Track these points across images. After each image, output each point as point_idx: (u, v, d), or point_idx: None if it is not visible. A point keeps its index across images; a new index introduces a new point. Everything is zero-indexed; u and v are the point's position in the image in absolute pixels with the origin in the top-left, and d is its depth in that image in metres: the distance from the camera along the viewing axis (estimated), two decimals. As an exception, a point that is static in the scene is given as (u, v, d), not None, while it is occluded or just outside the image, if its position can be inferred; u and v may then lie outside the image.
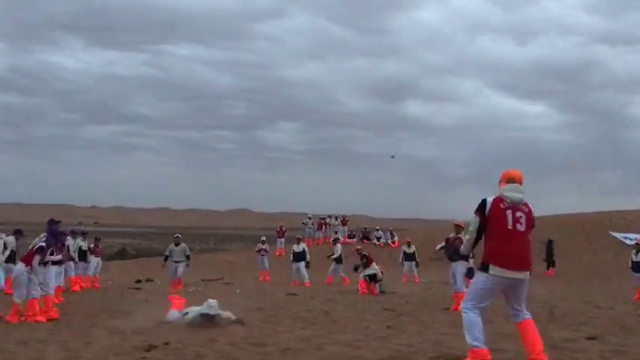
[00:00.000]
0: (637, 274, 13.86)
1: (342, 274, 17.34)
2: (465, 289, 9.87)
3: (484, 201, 4.73)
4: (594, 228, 29.31)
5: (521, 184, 4.84)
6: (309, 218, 31.26)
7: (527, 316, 4.78)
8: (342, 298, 11.88)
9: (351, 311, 9.22)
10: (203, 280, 17.75)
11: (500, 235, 4.62)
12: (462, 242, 10.01)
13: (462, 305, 4.79)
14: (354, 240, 27.77)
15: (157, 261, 18.51)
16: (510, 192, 4.74)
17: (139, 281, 17.66)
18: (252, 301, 11.12)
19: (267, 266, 19.62)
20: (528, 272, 4.71)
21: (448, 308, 9.80)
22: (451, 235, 10.51)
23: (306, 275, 17.00)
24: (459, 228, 10.31)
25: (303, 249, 17.53)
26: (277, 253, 25.99)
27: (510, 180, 4.83)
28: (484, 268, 4.67)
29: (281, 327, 7.20)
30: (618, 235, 24.92)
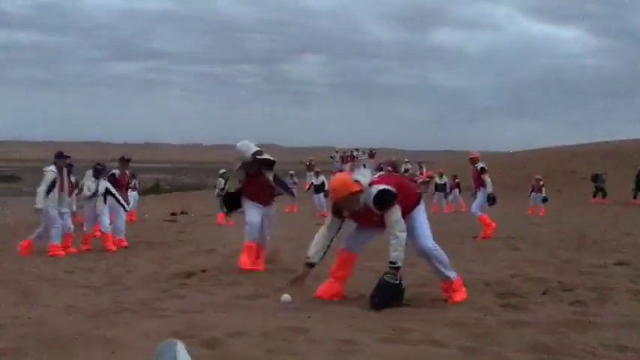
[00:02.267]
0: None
1: None
2: (480, 214, 10.09)
3: None
4: (630, 156, 28.61)
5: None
6: (337, 152, 31.32)
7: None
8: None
9: (378, 241, 9.38)
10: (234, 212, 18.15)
11: None
12: (476, 172, 10.19)
13: (430, 244, 4.40)
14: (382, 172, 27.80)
15: (191, 195, 18.95)
16: None
17: (173, 214, 18.21)
18: (282, 230, 11.39)
19: (295, 200, 20.06)
20: None
21: (476, 237, 9.91)
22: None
23: (324, 205, 17.55)
24: (474, 159, 10.47)
25: (322, 181, 18.18)
26: (307, 186, 26.34)
27: None
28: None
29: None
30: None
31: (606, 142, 35.26)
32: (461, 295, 4.40)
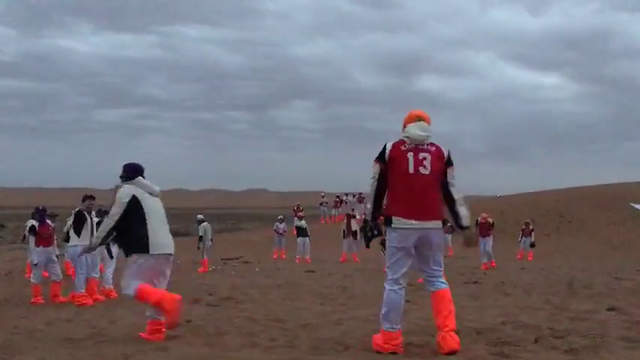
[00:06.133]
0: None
1: (355, 250, 17.53)
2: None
3: (385, 146, 4.13)
4: (613, 199, 28.94)
5: (428, 123, 4.22)
6: (323, 196, 31.33)
7: (444, 285, 4.20)
8: (360, 274, 11.95)
9: (370, 287, 9.28)
10: (222, 259, 17.96)
11: (401, 181, 4.04)
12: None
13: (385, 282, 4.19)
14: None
15: (178, 241, 18.72)
16: (412, 130, 4.13)
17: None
18: (271, 278, 11.24)
19: (283, 245, 19.93)
20: (438, 221, 4.10)
21: (469, 282, 9.83)
22: None
23: (308, 251, 17.62)
24: None
25: (305, 226, 18.21)
26: (294, 232, 26.15)
27: (413, 119, 4.22)
28: (387, 221, 4.08)
29: (300, 303, 7.29)
30: (638, 206, 24.59)
31: (594, 185, 35.70)
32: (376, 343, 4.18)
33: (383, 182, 4.14)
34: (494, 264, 14.52)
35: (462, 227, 4.32)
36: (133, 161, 5.33)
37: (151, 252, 4.92)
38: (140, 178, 5.18)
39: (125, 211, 4.96)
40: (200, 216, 16.27)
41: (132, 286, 4.93)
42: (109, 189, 5.39)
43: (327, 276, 11.77)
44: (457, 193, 4.25)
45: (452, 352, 4.04)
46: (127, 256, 5.13)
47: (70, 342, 4.99)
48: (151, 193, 5.13)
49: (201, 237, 15.43)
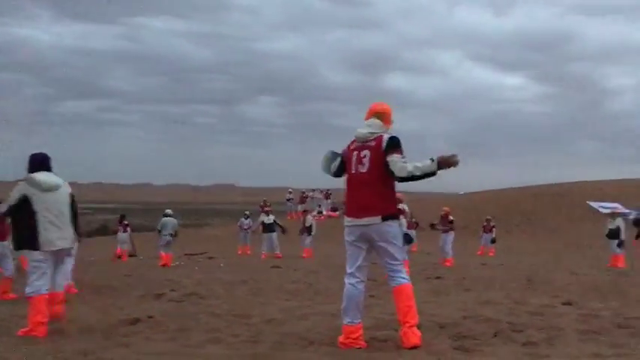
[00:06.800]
0: (612, 242, 14.26)
1: (309, 246, 17.42)
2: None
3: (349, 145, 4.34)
4: (572, 197, 29.84)
5: (385, 118, 4.25)
6: (290, 192, 31.34)
7: (405, 280, 4.20)
8: (325, 270, 11.99)
9: (335, 283, 9.31)
10: (186, 254, 17.75)
11: (347, 181, 4.26)
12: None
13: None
14: (338, 213, 27.94)
15: (141, 236, 18.45)
16: (358, 130, 4.22)
17: (120, 257, 17.58)
18: (235, 274, 11.17)
19: (248, 241, 19.81)
20: (373, 217, 4.08)
21: (431, 277, 9.97)
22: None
23: (277, 246, 17.27)
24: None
25: (274, 220, 17.86)
26: (261, 228, 26.03)
27: (370, 115, 4.28)
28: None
29: (265, 299, 7.26)
30: (594, 205, 25.37)
31: (554, 184, 36.71)
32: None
33: (341, 169, 4.36)
34: (448, 262, 13.89)
35: (432, 159, 4.04)
36: (38, 151, 5.37)
37: (41, 249, 5.04)
38: (36, 174, 5.19)
39: (15, 208, 5.10)
40: (168, 211, 16.05)
41: (30, 288, 5.02)
42: (13, 181, 5.39)
43: (292, 271, 11.76)
44: (400, 167, 4.03)
45: (413, 348, 4.09)
46: (16, 250, 5.49)
47: (28, 339, 4.86)
48: (49, 189, 5.14)
49: (159, 231, 15.28)
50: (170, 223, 15.33)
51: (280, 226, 17.82)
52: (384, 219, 4.11)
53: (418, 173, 4.02)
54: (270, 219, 17.84)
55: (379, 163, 4.07)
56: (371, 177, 4.11)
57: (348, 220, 4.24)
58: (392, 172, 4.08)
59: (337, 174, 4.42)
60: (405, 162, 4.06)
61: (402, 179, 4.10)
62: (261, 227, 17.84)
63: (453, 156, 4.02)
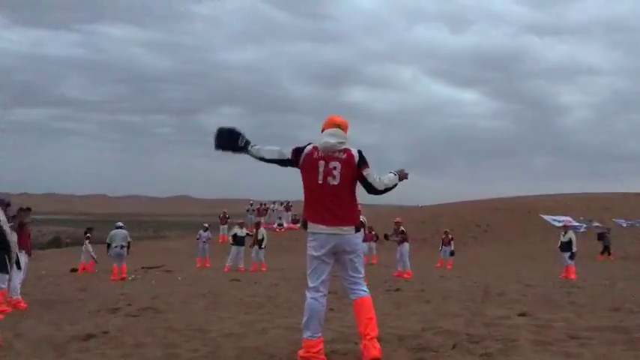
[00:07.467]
0: (564, 254, 14.72)
1: (262, 259, 17.29)
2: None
3: (305, 147, 4.21)
4: (526, 211, 30.73)
5: (345, 130, 4.25)
6: (251, 204, 31.12)
7: (365, 292, 4.22)
8: (285, 283, 11.92)
9: (295, 295, 9.27)
10: (142, 267, 17.34)
11: (311, 189, 4.15)
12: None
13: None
14: (298, 225, 27.87)
15: (95, 249, 17.91)
16: (324, 138, 4.15)
17: (74, 270, 17.03)
18: (194, 287, 10.97)
19: (207, 254, 19.48)
20: (348, 228, 4.12)
21: (390, 290, 10.04)
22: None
23: (242, 260, 17.05)
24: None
25: (246, 234, 17.61)
26: (220, 240, 25.72)
27: (330, 125, 4.24)
28: (304, 225, 4.22)
29: (224, 313, 7.15)
30: (548, 218, 26.26)
31: (508, 198, 37.71)
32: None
33: (284, 164, 4.25)
34: (408, 274, 14.08)
35: (394, 173, 4.34)
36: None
37: None
38: None
39: None
40: (118, 223, 15.69)
41: None
42: None
43: (252, 285, 11.64)
44: (379, 182, 4.22)
45: None
46: None
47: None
48: None
49: (108, 245, 14.86)
50: (120, 235, 14.91)
51: (258, 241, 17.47)
52: (357, 230, 4.19)
53: (391, 186, 4.27)
54: (242, 232, 17.53)
55: (352, 176, 4.13)
56: (343, 189, 4.13)
57: (321, 228, 4.10)
58: (369, 186, 4.19)
59: (280, 164, 4.26)
60: (378, 176, 4.25)
61: (378, 192, 4.23)
62: (232, 239, 17.49)
63: (403, 170, 4.38)
